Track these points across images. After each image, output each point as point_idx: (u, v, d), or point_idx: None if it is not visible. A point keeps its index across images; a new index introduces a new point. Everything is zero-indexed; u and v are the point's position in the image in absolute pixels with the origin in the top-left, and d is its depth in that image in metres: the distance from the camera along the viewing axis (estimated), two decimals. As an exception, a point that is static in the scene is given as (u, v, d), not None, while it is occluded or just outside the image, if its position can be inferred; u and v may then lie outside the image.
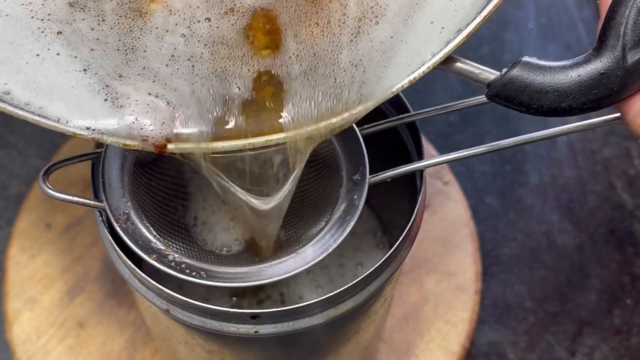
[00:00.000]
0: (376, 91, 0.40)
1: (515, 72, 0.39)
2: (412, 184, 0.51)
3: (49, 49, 0.39)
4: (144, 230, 0.46)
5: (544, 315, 0.70)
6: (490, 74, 0.40)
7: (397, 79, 0.40)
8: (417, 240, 0.49)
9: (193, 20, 0.40)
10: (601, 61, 0.38)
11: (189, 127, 0.39)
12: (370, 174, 0.47)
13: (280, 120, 0.40)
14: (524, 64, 0.39)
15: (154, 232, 0.46)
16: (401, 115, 0.51)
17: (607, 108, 0.40)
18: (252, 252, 0.52)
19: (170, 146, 0.39)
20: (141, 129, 0.39)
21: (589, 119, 0.47)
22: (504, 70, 0.39)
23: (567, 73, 0.38)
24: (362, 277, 0.44)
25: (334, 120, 0.40)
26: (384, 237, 0.65)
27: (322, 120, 0.40)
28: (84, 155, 0.47)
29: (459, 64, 0.40)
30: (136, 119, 0.39)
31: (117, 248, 0.45)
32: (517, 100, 0.39)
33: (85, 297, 0.68)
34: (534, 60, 0.39)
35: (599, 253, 0.73)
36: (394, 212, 0.62)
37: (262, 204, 0.47)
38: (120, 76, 0.39)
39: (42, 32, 0.40)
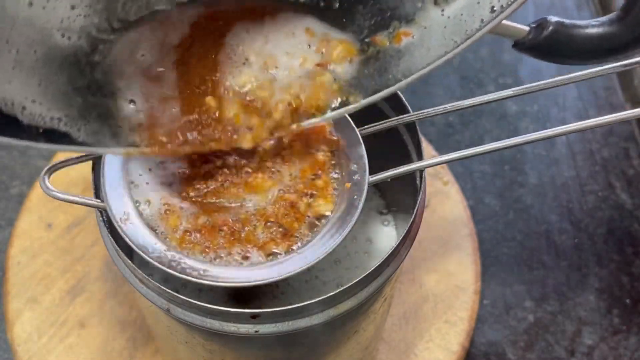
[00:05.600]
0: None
1: (551, 30, 0.44)
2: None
3: None
4: (145, 230, 0.46)
5: (543, 315, 0.70)
6: (519, 29, 0.45)
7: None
8: (417, 240, 0.49)
9: None
10: (623, 31, 0.44)
11: None
12: (370, 174, 0.47)
13: None
14: (556, 23, 0.44)
15: (155, 232, 0.46)
16: (401, 116, 0.52)
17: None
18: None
19: None
20: None
21: (588, 119, 0.47)
22: (532, 26, 0.44)
23: (591, 35, 0.45)
24: (362, 277, 0.44)
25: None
26: (388, 215, 0.65)
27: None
28: (85, 156, 0.47)
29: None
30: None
31: (118, 248, 0.45)
32: (545, 53, 0.45)
33: (86, 296, 0.68)
34: (560, 19, 0.44)
35: (598, 253, 0.73)
36: (396, 192, 0.63)
37: None
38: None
39: None
